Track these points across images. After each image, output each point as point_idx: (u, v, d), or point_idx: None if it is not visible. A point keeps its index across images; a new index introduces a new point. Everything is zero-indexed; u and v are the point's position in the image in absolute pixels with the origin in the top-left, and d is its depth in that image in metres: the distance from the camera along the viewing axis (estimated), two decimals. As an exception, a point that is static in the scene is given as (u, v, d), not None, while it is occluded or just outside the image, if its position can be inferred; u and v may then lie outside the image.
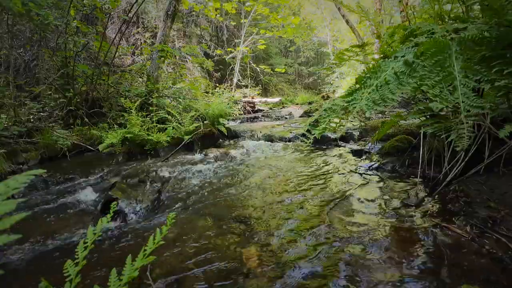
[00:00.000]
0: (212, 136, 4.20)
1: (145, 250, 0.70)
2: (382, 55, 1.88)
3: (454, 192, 1.62)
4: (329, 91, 13.68)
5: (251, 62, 12.36)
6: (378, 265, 1.12)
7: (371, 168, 2.45)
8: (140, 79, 6.16)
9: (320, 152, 3.35)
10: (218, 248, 1.34)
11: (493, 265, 1.05)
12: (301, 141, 4.08)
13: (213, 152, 3.48)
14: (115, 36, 5.73)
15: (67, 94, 4.12)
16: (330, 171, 2.49)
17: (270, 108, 10.01)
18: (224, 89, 7.69)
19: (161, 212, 1.88)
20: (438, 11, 1.76)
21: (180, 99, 5.43)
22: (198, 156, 3.41)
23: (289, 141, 4.27)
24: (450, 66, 1.15)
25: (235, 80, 10.94)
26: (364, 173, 2.35)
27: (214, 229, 1.55)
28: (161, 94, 5.10)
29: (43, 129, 3.53)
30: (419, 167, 1.99)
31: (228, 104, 5.21)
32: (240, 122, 7.37)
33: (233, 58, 11.23)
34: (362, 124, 4.21)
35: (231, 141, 4.48)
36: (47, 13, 3.61)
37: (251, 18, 10.72)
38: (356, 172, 2.39)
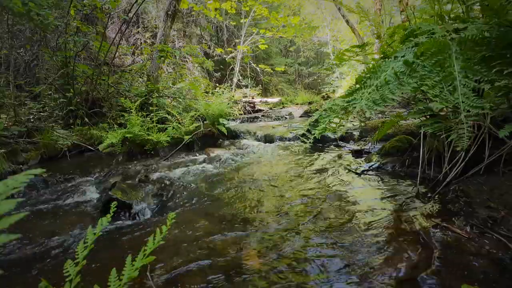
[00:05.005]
0: (212, 136, 4.21)
1: (145, 250, 0.70)
2: (382, 55, 1.88)
3: (454, 192, 1.62)
4: (329, 91, 13.68)
5: (251, 62, 12.36)
6: (378, 264, 1.12)
7: (371, 168, 2.45)
8: (140, 79, 6.16)
9: (320, 152, 3.35)
10: (218, 247, 1.34)
11: (493, 265, 1.05)
12: (301, 141, 4.08)
13: (213, 152, 3.48)
14: (115, 36, 5.73)
15: (67, 94, 4.12)
16: (330, 171, 2.49)
17: (270, 108, 10.00)
18: (224, 89, 7.68)
19: (161, 212, 1.88)
20: (438, 11, 1.76)
21: (180, 99, 5.43)
22: (198, 156, 3.41)
23: (289, 141, 4.27)
24: (450, 66, 1.15)
25: (235, 80, 10.94)
26: (364, 173, 2.35)
27: (214, 228, 1.55)
28: (161, 94, 5.10)
29: (43, 129, 3.53)
30: (419, 167, 1.99)
31: (228, 104, 5.21)
32: (240, 122, 7.37)
33: (233, 58, 11.23)
34: (362, 124, 4.21)
35: (231, 141, 4.48)
36: (47, 13, 3.61)
37: (251, 18, 10.73)
38: (356, 172, 2.39)
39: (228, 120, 5.11)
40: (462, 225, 1.34)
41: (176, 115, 4.36)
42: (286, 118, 7.87)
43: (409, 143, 2.52)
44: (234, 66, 11.09)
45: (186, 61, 9.54)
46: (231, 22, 11.86)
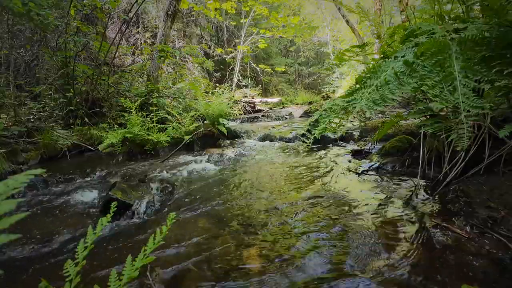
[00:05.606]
0: (212, 136, 4.21)
1: (145, 250, 0.70)
2: (382, 55, 1.88)
3: (454, 192, 1.62)
4: (329, 91, 13.69)
5: (251, 62, 12.37)
6: (378, 264, 1.12)
7: (371, 168, 2.45)
8: (140, 79, 6.17)
9: (320, 152, 3.35)
10: (218, 247, 1.34)
11: (493, 265, 1.05)
12: (301, 141, 4.08)
13: (213, 152, 3.48)
14: (115, 36, 5.73)
15: (67, 94, 4.12)
16: (330, 172, 2.49)
17: (270, 108, 10.01)
18: (224, 89, 7.69)
19: (161, 212, 1.88)
20: (438, 11, 1.76)
21: (180, 99, 5.44)
22: (198, 156, 3.41)
23: (289, 141, 4.27)
24: (450, 66, 1.15)
25: (235, 80, 10.94)
26: (364, 173, 2.35)
27: (214, 228, 1.55)
28: (161, 94, 5.11)
29: (43, 129, 3.53)
30: (419, 167, 1.99)
31: (228, 104, 5.21)
32: (240, 122, 7.38)
33: (233, 58, 11.24)
34: (362, 124, 4.21)
35: (231, 141, 4.48)
36: (47, 13, 3.61)
37: (251, 18, 10.73)
38: (356, 172, 2.39)
39: (228, 120, 5.12)
40: (462, 225, 1.34)
41: (176, 115, 4.36)
42: (286, 118, 7.88)
43: (409, 143, 2.51)
44: (234, 66, 11.10)
45: (186, 61, 9.54)
46: (231, 22, 11.87)
